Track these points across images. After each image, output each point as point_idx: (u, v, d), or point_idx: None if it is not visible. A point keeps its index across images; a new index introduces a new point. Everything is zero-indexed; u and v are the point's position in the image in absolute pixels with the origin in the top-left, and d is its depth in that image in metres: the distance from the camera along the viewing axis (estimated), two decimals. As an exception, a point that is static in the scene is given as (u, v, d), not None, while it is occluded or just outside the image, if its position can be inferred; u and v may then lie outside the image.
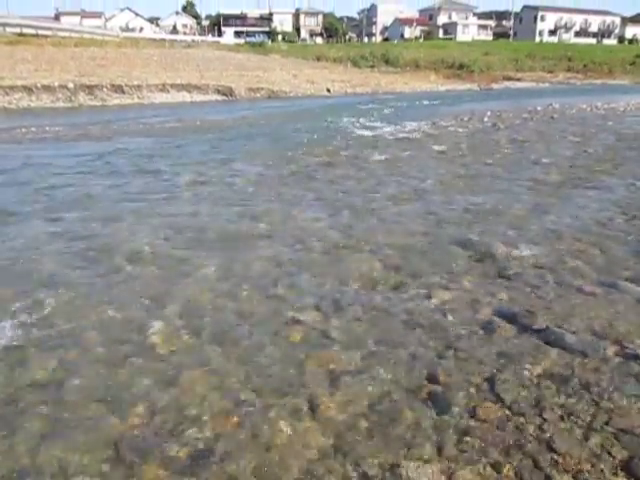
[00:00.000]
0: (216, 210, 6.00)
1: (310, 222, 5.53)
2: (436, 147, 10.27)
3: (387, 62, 45.54)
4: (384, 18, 66.95)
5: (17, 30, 31.67)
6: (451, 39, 61.32)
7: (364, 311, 3.60)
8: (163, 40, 45.65)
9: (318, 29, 64.95)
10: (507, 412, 2.60)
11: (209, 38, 54.56)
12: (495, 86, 39.12)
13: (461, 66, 44.64)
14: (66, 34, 35.42)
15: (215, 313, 3.58)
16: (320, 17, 65.79)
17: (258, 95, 26.95)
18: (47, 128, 13.12)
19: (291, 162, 8.85)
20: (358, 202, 6.30)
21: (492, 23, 67.67)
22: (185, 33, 57.28)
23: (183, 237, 5.01)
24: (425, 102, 23.82)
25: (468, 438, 2.45)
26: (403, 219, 5.64)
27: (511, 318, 3.47)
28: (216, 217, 5.72)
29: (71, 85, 21.80)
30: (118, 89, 23.25)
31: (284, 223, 5.50)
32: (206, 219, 5.62)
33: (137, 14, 61.42)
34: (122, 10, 60.72)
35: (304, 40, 61.39)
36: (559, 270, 4.22)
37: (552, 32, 66.71)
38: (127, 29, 52.81)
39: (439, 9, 65.98)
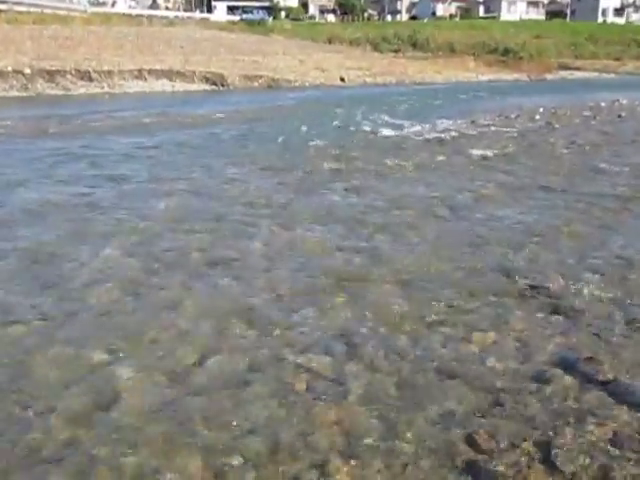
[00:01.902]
0: (201, 228, 5.99)
1: (318, 244, 5.53)
2: (476, 151, 10.29)
3: (415, 46, 45.88)
4: (412, -8, 68.45)
5: (-37, 3, 32.44)
6: (494, 18, 61.70)
7: (385, 356, 3.57)
8: (140, 16, 45.86)
9: (330, 5, 65.74)
10: (566, 487, 2.68)
11: (196, 14, 55.23)
12: (549, 76, 39.27)
13: (506, 51, 44.92)
14: (23, 9, 36.16)
15: (200, 355, 3.55)
16: (333, -10, 67.14)
17: (256, 84, 27.17)
18: (-9, 122, 13.73)
19: (295, 169, 8.88)
20: (378, 219, 6.28)
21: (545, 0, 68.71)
22: (167, 8, 58.11)
23: (159, 261, 5.00)
24: (462, 95, 23.73)
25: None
26: (434, 241, 5.61)
27: (570, 367, 3.43)
28: (201, 237, 5.70)
29: (27, 70, 22.14)
30: (85, 75, 23.59)
31: (286, 245, 5.49)
32: (189, 239, 5.61)
33: (109, -16, 63.02)
34: (91, -20, 63.14)
35: (313, 18, 62.09)
36: (630, 307, 4.17)
37: (618, 11, 67.15)
38: (96, 3, 53.66)
39: (479, -19, 66.88)
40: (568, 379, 3.35)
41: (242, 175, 8.51)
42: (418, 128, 13.50)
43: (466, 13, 62.77)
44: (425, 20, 59.14)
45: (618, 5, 66.52)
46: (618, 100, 19.99)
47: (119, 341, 3.76)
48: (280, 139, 11.79)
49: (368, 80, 32.03)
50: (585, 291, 4.43)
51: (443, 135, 12.40)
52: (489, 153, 10.19)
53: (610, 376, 3.35)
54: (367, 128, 13.58)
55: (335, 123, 14.45)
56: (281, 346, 3.71)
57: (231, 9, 60.85)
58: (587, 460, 2.71)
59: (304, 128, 13.38)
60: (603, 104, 18.58)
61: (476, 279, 4.69)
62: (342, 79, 31.04)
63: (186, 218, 6.37)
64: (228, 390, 3.27)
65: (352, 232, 5.96)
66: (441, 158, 9.75)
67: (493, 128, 13.55)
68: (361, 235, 5.85)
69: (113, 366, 3.45)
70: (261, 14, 56.99)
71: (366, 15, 64.08)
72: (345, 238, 5.76)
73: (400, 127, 13.71)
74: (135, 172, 8.65)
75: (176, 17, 48.29)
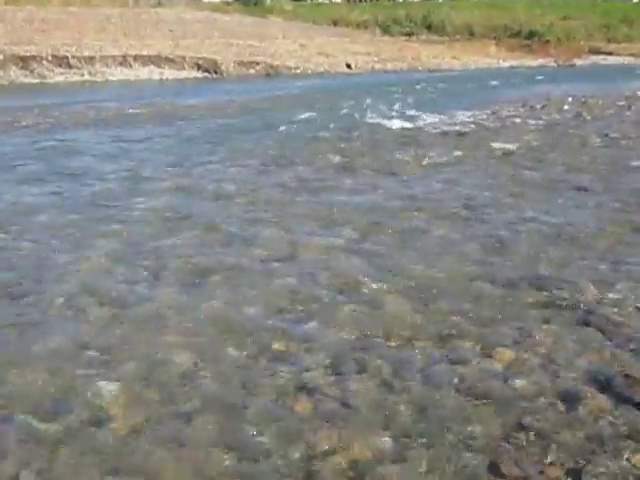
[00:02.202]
0: (191, 231, 5.98)
1: (322, 249, 5.50)
2: (497, 145, 10.29)
3: (429, 28, 45.71)
4: (425, -32, 68.43)
5: None
6: (517, -3, 63.12)
7: (396, 374, 3.56)
8: (125, -4, 46.94)
9: (335, -17, 66.08)
10: (599, 521, 2.63)
11: (187, -6, 55.77)
12: (578, 62, 39.06)
13: (531, 34, 44.74)
14: (-6, -12, 37.33)
15: (190, 374, 3.54)
16: (338, -34, 67.28)
17: (252, 71, 27.14)
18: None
19: (296, 165, 8.87)
20: (389, 222, 6.25)
21: (574, -24, 68.27)
22: (154, -13, 58.57)
23: (144, 270, 4.98)
24: (482, 83, 23.69)
25: None
26: (451, 246, 5.60)
27: (604, 386, 3.42)
28: (191, 242, 5.69)
29: (-1, 56, 22.32)
30: (63, 62, 23.61)
31: (286, 251, 5.46)
32: (177, 244, 5.60)
33: (90, -39, 63.21)
34: (70, -44, 63.25)
35: (316, -3, 62.59)
36: (672, 319, 4.37)
37: (657, -12, 67.19)
38: (76, -19, 54.18)
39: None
40: (602, 399, 3.32)
41: (238, 172, 8.48)
42: (433, 120, 13.46)
43: (486, -9, 62.97)
44: (440, 0, 59.51)
45: (656, -18, 66.58)
46: (657, 88, 20.91)
47: (99, 359, 3.71)
48: (280, 132, 11.79)
49: (377, 67, 31.82)
50: (621, 301, 4.40)
51: (461, 127, 12.35)
52: (513, 147, 10.14)
53: (649, 396, 3.54)
54: (376, 120, 13.57)
55: (341, 114, 14.45)
56: (280, 363, 3.68)
57: (225, -12, 61.35)
58: (623, 491, 2.83)
59: (306, 120, 13.38)
60: (639, 93, 18.71)
61: (499, 288, 4.65)
62: (348, 65, 30.97)
63: (174, 220, 6.31)
64: (221, 413, 3.24)
65: (360, 236, 5.91)
66: (459, 153, 9.70)
67: (517, 120, 13.47)
68: (370, 239, 5.81)
69: (93, 385, 3.40)
70: (258, -7, 57.44)
71: (375, -6, 64.49)
72: (352, 242, 5.71)
73: (413, 119, 13.66)
74: (117, 169, 8.62)
75: (164, -3, 48.89)
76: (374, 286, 4.70)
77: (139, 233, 5.96)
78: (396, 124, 12.79)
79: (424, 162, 9.15)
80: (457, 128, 12.27)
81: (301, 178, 8.22)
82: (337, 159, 9.35)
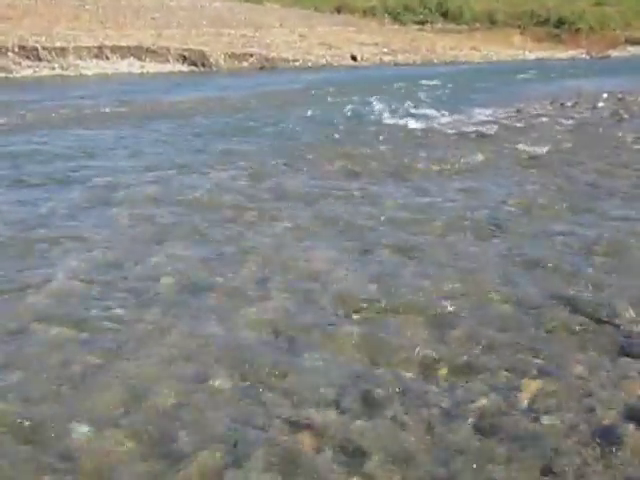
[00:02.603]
0: (176, 246, 5.95)
1: (325, 266, 5.47)
2: (524, 147, 10.31)
3: (445, 15, 45.82)
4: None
5: None
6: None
7: (410, 409, 3.53)
8: (101, -20, 46.96)
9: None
10: None
11: (171, -23, 55.84)
12: (614, 53, 39.07)
13: (560, 22, 44.83)
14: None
15: (177, 411, 3.52)
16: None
17: (245, 64, 27.20)
18: None
19: (295, 171, 8.88)
20: (400, 235, 6.22)
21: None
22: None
23: (122, 290, 4.95)
24: (505, 77, 23.61)
25: None
26: (472, 263, 5.58)
27: (646, 423, 3.66)
28: (177, 257, 5.65)
29: (-41, 48, 22.31)
30: (31, 54, 23.69)
31: (284, 267, 5.44)
32: (160, 261, 5.56)
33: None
34: None
35: (317, -19, 62.62)
36: None
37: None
38: (47, -37, 54.32)
39: None
40: (645, 439, 3.57)
41: (228, 179, 8.45)
42: (450, 119, 13.50)
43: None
44: (458, -17, 59.60)
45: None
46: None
47: (74, 392, 3.67)
48: (276, 134, 11.76)
49: (386, 59, 31.83)
50: (664, 326, 4.69)
51: (482, 128, 12.35)
52: (540, 151, 10.13)
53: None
54: (386, 119, 13.57)
55: (345, 112, 14.42)
56: (278, 397, 3.65)
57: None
58: None
59: (306, 119, 13.40)
60: (684, 89, 19.33)
61: (525, 311, 4.63)
62: (354, 58, 31.01)
63: (157, 233, 6.28)
64: (215, 454, 3.20)
65: (367, 251, 5.88)
66: (479, 157, 9.70)
67: (545, 119, 13.51)
68: (378, 255, 5.77)
69: (69, 424, 3.38)
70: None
71: (384, -23, 64.54)
72: (358, 258, 5.68)
73: (427, 118, 13.69)
74: (92, 174, 8.56)
75: (146, -19, 48.90)
76: (382, 307, 4.66)
77: (115, 246, 5.89)
78: (408, 124, 12.80)
79: (440, 167, 9.13)
80: (477, 129, 12.27)
81: (301, 185, 8.19)
82: (341, 164, 9.34)
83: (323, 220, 6.85)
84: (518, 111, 14.53)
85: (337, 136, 11.48)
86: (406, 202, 7.49)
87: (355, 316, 4.57)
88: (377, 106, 15.30)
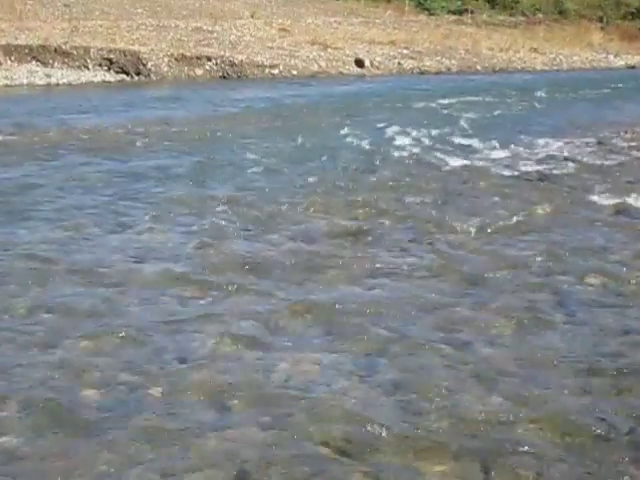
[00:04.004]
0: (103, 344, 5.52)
1: (315, 382, 5.08)
2: (606, 200, 9.95)
3: (493, 3, 46.57)
4: None
5: None
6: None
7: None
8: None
9: None
10: None
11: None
12: None
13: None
14: None
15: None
16: None
17: (199, 72, 25.91)
18: None
19: (274, 231, 8.38)
20: (431, 341, 5.66)
21: None
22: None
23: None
24: (580, 92, 23.63)
25: None
26: (536, 369, 5.22)
27: None
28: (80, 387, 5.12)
29: None
30: None
31: (256, 400, 4.95)
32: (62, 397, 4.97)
33: None
34: None
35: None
36: None
37: None
38: None
39: None
40: None
41: (173, 247, 8.00)
42: (502, 154, 13.14)
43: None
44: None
45: None
46: None
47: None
48: (244, 176, 11.34)
49: (407, 65, 29.89)
50: None
51: (546, 167, 12.03)
52: (632, 203, 9.79)
53: None
54: (407, 153, 13.21)
55: (348, 144, 14.09)
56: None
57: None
58: None
59: (293, 155, 13.00)
60: None
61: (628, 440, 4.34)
62: (360, 63, 29.46)
63: (64, 330, 5.85)
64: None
65: (374, 359, 5.44)
66: (541, 211, 9.39)
67: (637, 153, 13.49)
68: (394, 367, 5.33)
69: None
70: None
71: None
72: (368, 369, 5.28)
73: (467, 151, 13.41)
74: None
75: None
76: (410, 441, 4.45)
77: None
78: (438, 160, 12.51)
79: (483, 226, 8.65)
80: (540, 168, 11.98)
81: (283, 252, 7.68)
82: (342, 220, 8.90)
83: (314, 309, 6.41)
84: (599, 143, 14.30)
85: (335, 178, 11.11)
86: (431, 284, 6.96)
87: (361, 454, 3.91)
88: (397, 135, 14.98)
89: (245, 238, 8.49)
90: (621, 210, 9.44)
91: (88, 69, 24.57)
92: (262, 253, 7.96)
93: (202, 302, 6.72)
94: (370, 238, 8.44)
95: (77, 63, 24.49)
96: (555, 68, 33.05)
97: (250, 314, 6.33)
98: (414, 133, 14.53)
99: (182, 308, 6.58)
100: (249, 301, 6.64)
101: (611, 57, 35.76)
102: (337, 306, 6.46)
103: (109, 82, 24.06)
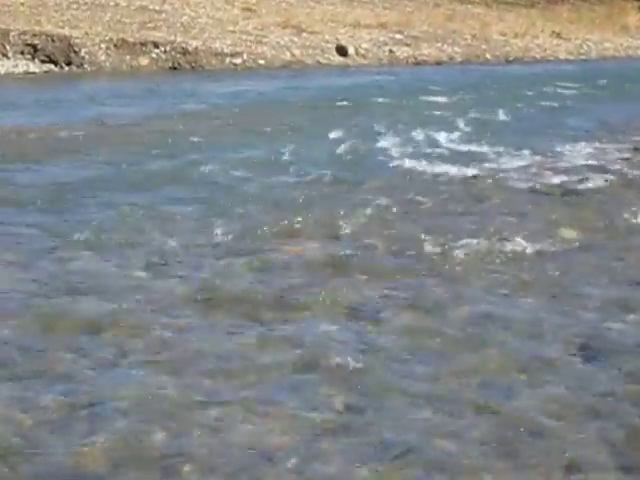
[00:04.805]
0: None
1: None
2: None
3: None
4: None
5: None
6: None
7: None
8: None
9: None
10: None
11: None
12: None
13: None
14: None
15: None
16: None
17: (144, 61, 26.16)
18: None
19: (228, 257, 8.18)
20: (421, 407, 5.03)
21: None
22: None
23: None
24: (614, 87, 23.87)
25: None
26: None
27: None
28: None
29: None
30: None
31: None
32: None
33: None
34: None
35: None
36: None
37: None
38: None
39: None
40: None
41: (107, 277, 7.57)
42: (519, 162, 13.09)
43: None
44: None
45: None
46: None
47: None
48: (199, 190, 11.23)
49: (401, 53, 29.72)
50: None
51: (571, 179, 11.97)
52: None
53: None
54: (399, 160, 13.21)
55: (328, 150, 14.02)
56: None
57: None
58: None
59: (256, 163, 12.75)
60: None
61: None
62: (342, 50, 29.94)
63: None
64: None
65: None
66: (567, 234, 9.16)
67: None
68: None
69: None
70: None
71: None
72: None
73: (475, 158, 13.30)
74: None
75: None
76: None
77: None
78: (443, 170, 12.42)
79: (498, 253, 8.34)
80: (565, 180, 11.86)
81: (250, 294, 7.25)
82: (316, 252, 8.58)
83: (286, 369, 5.85)
84: (636, 149, 14.36)
85: (315, 194, 10.99)
86: (433, 332, 6.63)
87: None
88: (385, 135, 15.18)
89: (196, 267, 8.61)
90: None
91: (7, 57, 24.46)
92: (217, 283, 7.93)
93: (140, 346, 6.71)
94: (352, 269, 8.37)
95: (-10, 49, 24.46)
96: (582, 57, 32.63)
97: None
98: (406, 132, 14.78)
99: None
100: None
101: (653, 44, 35.99)
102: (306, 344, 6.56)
103: (33, 73, 23.95)
